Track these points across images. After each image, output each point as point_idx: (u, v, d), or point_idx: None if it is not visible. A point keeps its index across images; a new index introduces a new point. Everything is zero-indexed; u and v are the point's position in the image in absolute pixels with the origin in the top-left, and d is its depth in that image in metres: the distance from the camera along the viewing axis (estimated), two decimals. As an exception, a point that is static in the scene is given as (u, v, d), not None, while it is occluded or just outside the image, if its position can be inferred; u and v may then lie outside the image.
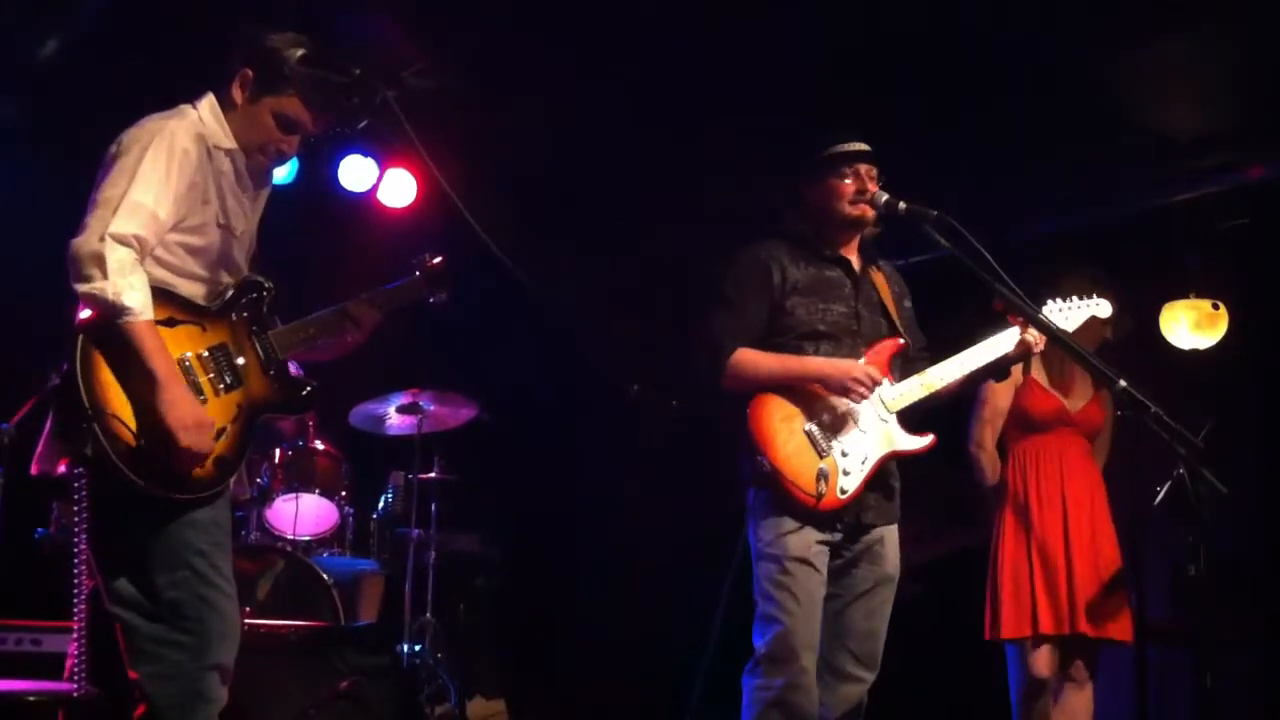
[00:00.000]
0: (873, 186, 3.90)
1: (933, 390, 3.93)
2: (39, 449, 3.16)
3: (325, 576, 5.42)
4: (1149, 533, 4.63)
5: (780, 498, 3.74)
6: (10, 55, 5.18)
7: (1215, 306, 5.90)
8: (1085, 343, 3.97)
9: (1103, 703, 4.81)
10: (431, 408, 5.82)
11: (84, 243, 2.99)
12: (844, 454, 3.80)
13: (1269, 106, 5.29)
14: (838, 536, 3.82)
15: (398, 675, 5.14)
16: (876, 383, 3.82)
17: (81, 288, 2.98)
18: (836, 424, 3.82)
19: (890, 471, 3.91)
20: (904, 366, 3.96)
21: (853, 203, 3.90)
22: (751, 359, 3.84)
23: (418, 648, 5.67)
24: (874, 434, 3.85)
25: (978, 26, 4.93)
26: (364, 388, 5.83)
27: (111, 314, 2.99)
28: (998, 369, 4.03)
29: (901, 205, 3.83)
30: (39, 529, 5.02)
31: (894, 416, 3.89)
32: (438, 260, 3.59)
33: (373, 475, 6.27)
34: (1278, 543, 5.66)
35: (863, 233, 4.01)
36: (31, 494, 3.58)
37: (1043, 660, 4.64)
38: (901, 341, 3.94)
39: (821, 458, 3.77)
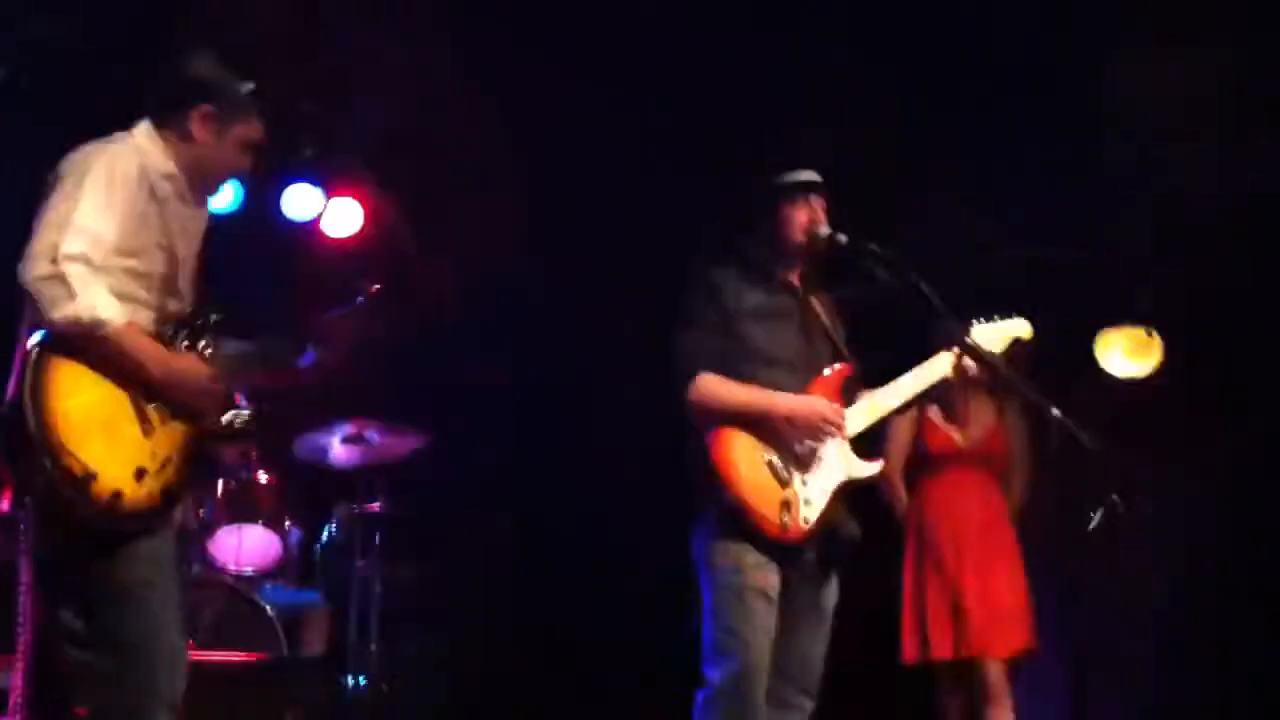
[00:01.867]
0: (822, 217, 3.96)
1: (882, 414, 3.99)
2: (-20, 483, 3.14)
3: (268, 609, 5.38)
4: (1085, 558, 4.76)
5: (745, 528, 3.74)
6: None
7: (1149, 333, 6.01)
8: (1016, 368, 4.06)
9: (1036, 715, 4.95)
10: (376, 438, 5.80)
11: (35, 268, 2.97)
12: (804, 483, 3.81)
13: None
14: (789, 568, 3.82)
15: (343, 707, 5.13)
16: (841, 424, 3.85)
17: (55, 315, 2.95)
18: (796, 454, 3.83)
19: (842, 506, 3.91)
20: (849, 392, 3.99)
21: (805, 231, 3.95)
22: (720, 388, 3.83)
23: (362, 680, 5.65)
24: (831, 461, 3.87)
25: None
26: (307, 417, 5.81)
27: (90, 332, 2.98)
28: (936, 393, 4.10)
29: (841, 238, 3.90)
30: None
31: (846, 443, 3.91)
32: (377, 288, 3.61)
33: (317, 506, 6.24)
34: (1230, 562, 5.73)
35: (805, 261, 4.06)
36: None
37: (949, 683, 4.92)
38: (851, 366, 3.99)
39: (784, 488, 3.77)
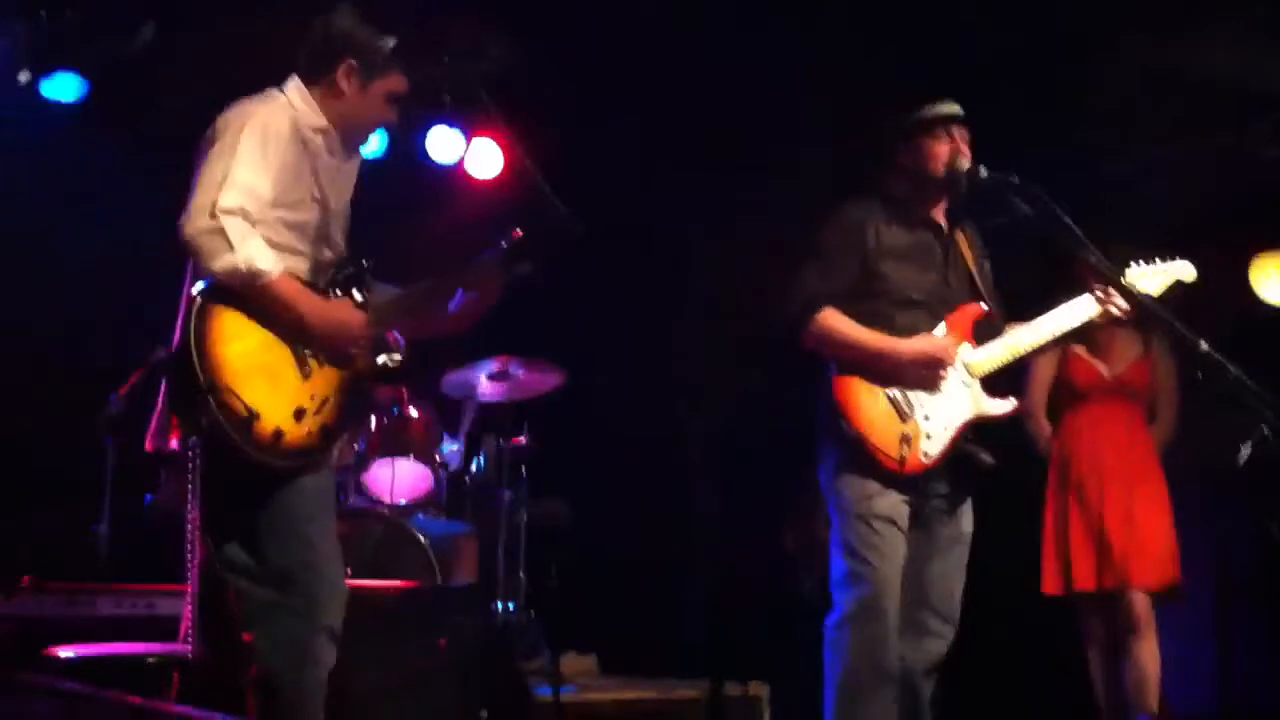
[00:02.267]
0: (965, 150, 3.92)
1: (1018, 354, 3.97)
2: (151, 426, 3.32)
3: (421, 539, 5.56)
4: (1234, 494, 4.66)
5: (864, 461, 3.80)
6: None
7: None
8: (1152, 299, 3.98)
9: (1180, 657, 4.88)
10: (521, 374, 5.92)
11: (195, 222, 3.11)
12: (927, 418, 3.85)
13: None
14: (915, 497, 3.87)
15: (493, 633, 5.29)
16: (949, 362, 3.85)
17: (215, 265, 3.10)
18: (919, 388, 3.86)
19: (969, 438, 3.93)
20: (985, 331, 3.98)
21: (948, 165, 3.92)
22: (841, 326, 3.86)
23: (511, 606, 5.81)
24: (957, 399, 3.89)
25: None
26: (454, 355, 5.95)
27: (250, 282, 3.13)
28: (1078, 334, 4.07)
29: (983, 172, 3.85)
30: (148, 495, 5.21)
31: (976, 381, 3.92)
32: (518, 233, 3.68)
33: (466, 441, 6.41)
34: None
35: (948, 196, 4.03)
36: (139, 462, 3.74)
37: (1092, 614, 4.88)
38: (984, 308, 3.97)
39: (904, 422, 3.81)
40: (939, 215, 4.04)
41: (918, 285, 3.94)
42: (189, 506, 3.23)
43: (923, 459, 3.82)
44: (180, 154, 3.31)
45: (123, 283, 5.52)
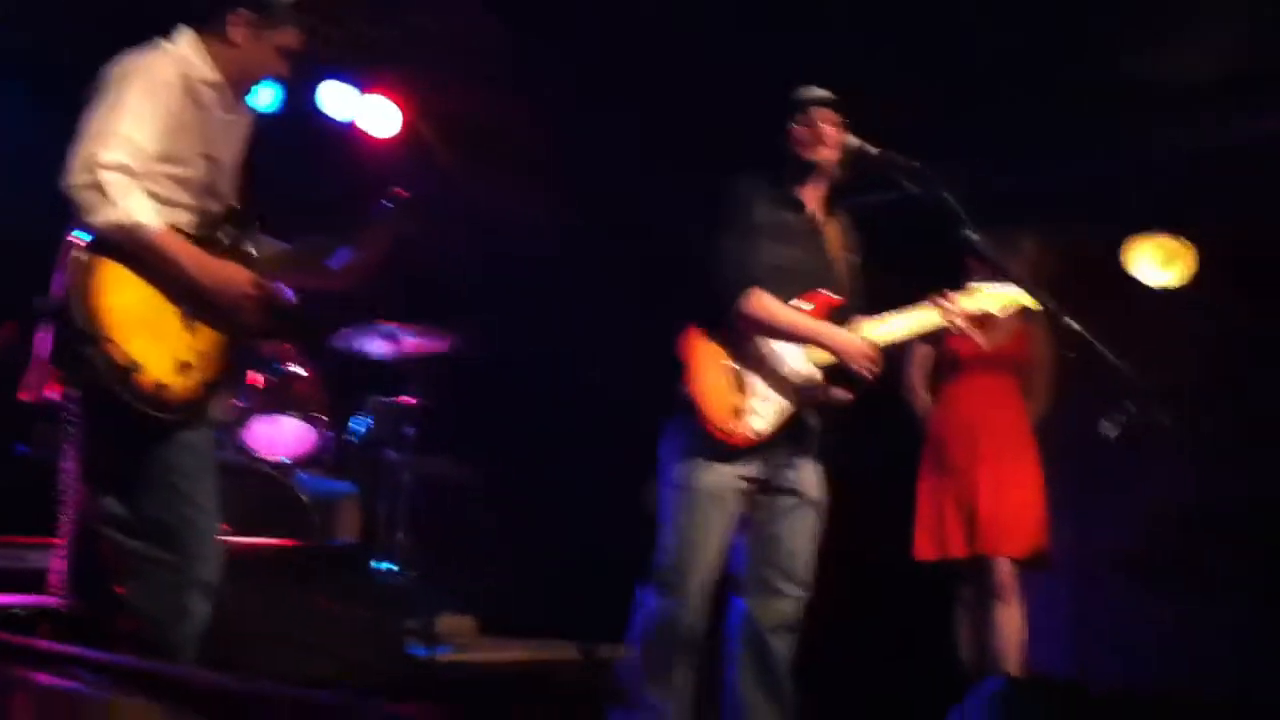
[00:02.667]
0: (833, 133, 3.96)
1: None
2: (27, 374, 3.26)
3: (302, 496, 5.54)
4: (1098, 467, 4.83)
5: (695, 430, 3.85)
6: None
7: (1180, 241, 6.00)
8: (1027, 278, 4.08)
9: (1042, 625, 5.06)
10: (409, 337, 5.91)
11: (76, 175, 3.07)
12: (760, 397, 3.88)
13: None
14: (752, 470, 3.91)
15: (373, 592, 5.28)
16: (877, 369, 3.87)
17: (96, 219, 3.06)
18: (762, 365, 3.90)
19: (808, 413, 3.97)
20: (837, 322, 3.97)
21: (812, 148, 3.97)
22: (773, 305, 3.87)
23: (393, 566, 5.82)
24: (796, 380, 3.93)
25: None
26: (343, 317, 5.91)
27: (130, 235, 3.09)
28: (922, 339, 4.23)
29: (873, 151, 3.91)
30: (19, 446, 5.11)
31: (816, 368, 3.94)
32: (403, 192, 3.67)
33: (350, 399, 6.37)
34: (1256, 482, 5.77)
35: (828, 180, 4.06)
36: (11, 412, 3.68)
37: (962, 580, 5.04)
38: (838, 300, 4.00)
39: (738, 395, 3.86)
40: (810, 199, 4.07)
41: (790, 264, 3.96)
42: (64, 457, 3.21)
43: (750, 434, 3.86)
44: (67, 101, 3.25)
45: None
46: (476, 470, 6.49)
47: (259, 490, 5.53)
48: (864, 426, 4.18)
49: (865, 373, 3.86)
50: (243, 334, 3.38)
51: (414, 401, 6.07)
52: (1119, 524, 5.82)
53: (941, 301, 3.95)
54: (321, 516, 5.60)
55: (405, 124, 6.44)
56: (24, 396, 3.27)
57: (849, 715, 4.70)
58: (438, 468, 6.26)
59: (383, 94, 6.40)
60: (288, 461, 5.88)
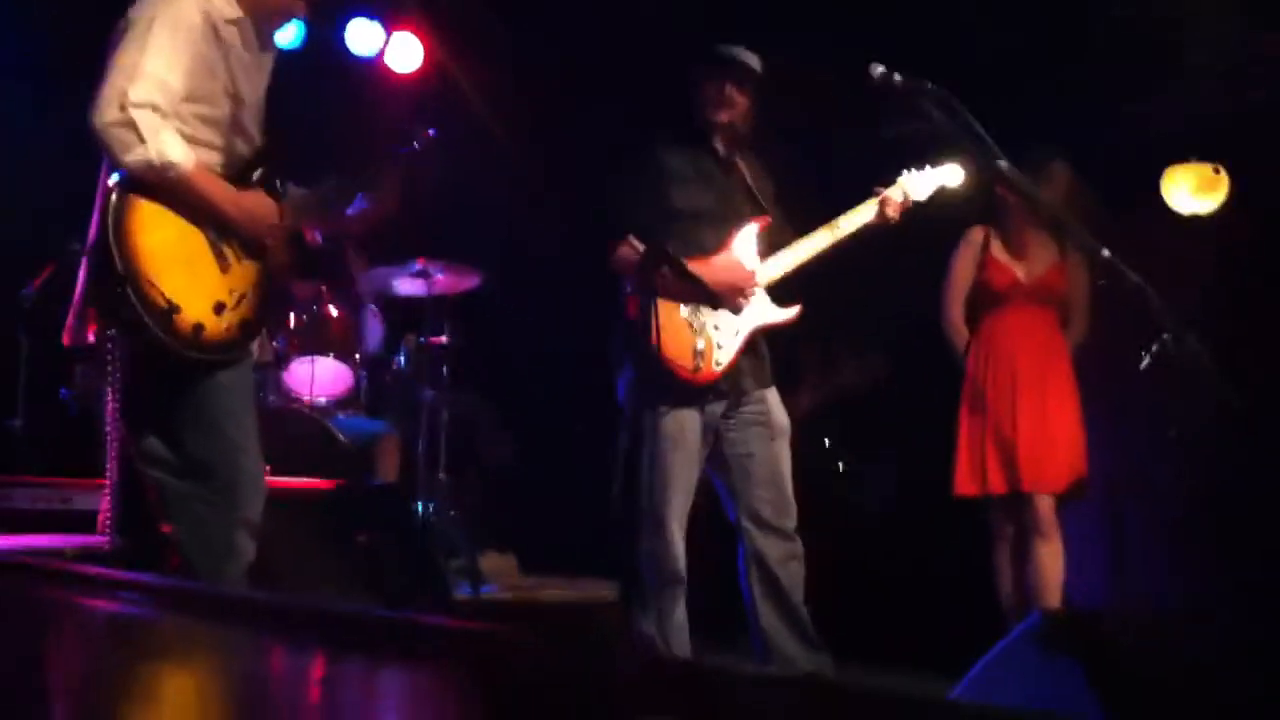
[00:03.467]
0: (738, 98, 4.16)
1: (800, 262, 4.22)
2: (68, 320, 3.29)
3: (341, 437, 5.57)
4: (1135, 401, 4.80)
5: (657, 378, 3.97)
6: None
7: (1216, 171, 5.94)
8: (1060, 207, 4.10)
9: (1078, 558, 5.05)
10: (440, 275, 5.91)
11: (105, 114, 3.07)
12: (716, 328, 4.08)
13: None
14: (719, 408, 4.11)
15: (413, 531, 5.34)
16: (746, 287, 4.10)
17: (127, 159, 3.07)
18: (709, 305, 4.07)
19: (759, 341, 4.20)
20: (772, 242, 4.22)
21: (715, 109, 4.18)
22: (625, 255, 4.02)
23: (432, 505, 5.86)
24: (744, 309, 4.14)
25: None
26: (375, 254, 5.93)
27: (162, 174, 3.10)
28: (863, 236, 4.29)
29: (897, 77, 3.89)
30: (63, 389, 5.17)
31: (762, 291, 4.17)
32: (430, 134, 3.67)
33: (386, 339, 6.39)
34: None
35: (734, 135, 4.24)
36: (54, 356, 3.71)
37: (1001, 516, 5.01)
38: (767, 219, 4.22)
39: (697, 335, 4.05)
40: (719, 145, 4.25)
41: (699, 203, 4.16)
42: (106, 400, 3.24)
43: (715, 368, 4.06)
44: (96, 45, 3.25)
45: (36, 174, 5.41)
46: (514, 407, 6.51)
47: (299, 432, 5.57)
48: (901, 367, 4.22)
49: (742, 298, 4.07)
50: (276, 273, 3.40)
51: (447, 340, 6.09)
52: (1154, 456, 5.78)
53: (880, 193, 4.21)
54: (361, 457, 5.64)
55: (430, 61, 6.41)
56: (66, 341, 3.30)
57: (889, 653, 4.72)
58: (475, 405, 6.29)
59: (408, 29, 6.37)
60: (325, 402, 5.91)
